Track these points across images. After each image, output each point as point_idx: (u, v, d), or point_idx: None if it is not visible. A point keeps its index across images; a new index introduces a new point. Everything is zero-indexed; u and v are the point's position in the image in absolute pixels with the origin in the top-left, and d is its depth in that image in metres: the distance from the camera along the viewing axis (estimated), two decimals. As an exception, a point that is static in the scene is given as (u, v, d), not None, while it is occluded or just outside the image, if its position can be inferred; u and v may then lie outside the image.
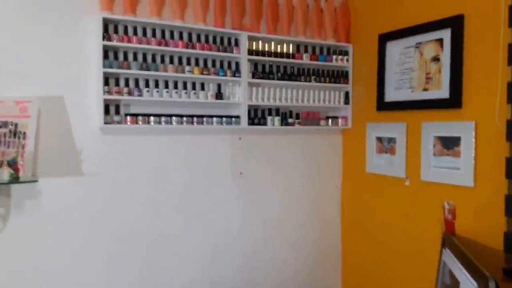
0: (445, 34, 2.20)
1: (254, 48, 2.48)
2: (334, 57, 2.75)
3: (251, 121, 2.49)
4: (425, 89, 2.32)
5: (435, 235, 2.10)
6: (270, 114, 2.58)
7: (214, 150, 2.52)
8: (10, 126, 1.92)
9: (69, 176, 2.13)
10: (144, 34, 2.24)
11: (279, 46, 2.57)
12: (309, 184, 2.86)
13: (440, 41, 2.23)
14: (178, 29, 2.31)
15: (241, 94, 2.45)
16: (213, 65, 2.41)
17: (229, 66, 2.47)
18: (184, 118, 2.31)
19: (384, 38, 2.57)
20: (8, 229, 1.99)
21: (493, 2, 1.97)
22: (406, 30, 2.42)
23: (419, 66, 2.37)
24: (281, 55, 2.56)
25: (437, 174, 2.23)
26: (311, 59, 2.66)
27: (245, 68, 2.44)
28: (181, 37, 2.31)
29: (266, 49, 2.52)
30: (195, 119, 2.34)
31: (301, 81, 2.64)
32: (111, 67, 2.11)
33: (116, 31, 2.16)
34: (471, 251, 1.51)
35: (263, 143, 2.68)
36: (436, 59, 2.26)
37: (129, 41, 2.15)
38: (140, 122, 2.20)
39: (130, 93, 2.17)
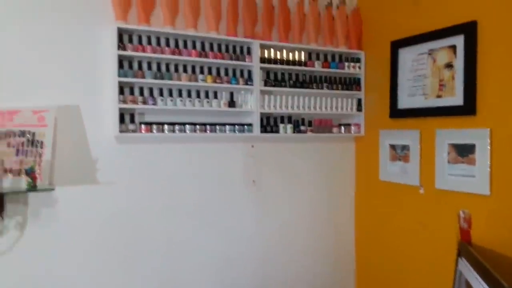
0: (458, 41, 2.19)
1: (266, 56, 2.50)
2: (346, 64, 2.75)
3: (264, 129, 2.50)
4: (438, 96, 2.31)
5: (450, 244, 2.07)
6: (282, 121, 2.58)
7: (227, 158, 2.54)
8: (28, 135, 1.96)
9: (84, 184, 2.16)
10: (158, 43, 2.27)
11: (291, 54, 2.58)
12: (322, 192, 2.85)
13: (453, 47, 2.22)
14: (191, 38, 2.34)
15: (253, 102, 2.46)
16: (226, 73, 2.43)
17: (242, 75, 2.49)
18: (198, 126, 2.33)
19: (397, 45, 2.57)
20: (25, 237, 2.02)
21: (506, 8, 1.96)
22: (418, 36, 2.41)
23: (432, 72, 2.35)
24: (293, 62, 2.57)
25: (452, 182, 2.21)
26: (323, 67, 2.67)
27: (257, 76, 2.45)
28: (194, 46, 2.34)
29: (278, 57, 2.54)
30: (208, 127, 2.36)
31: (313, 88, 2.65)
32: (125, 76, 2.14)
33: (130, 41, 2.20)
34: (488, 260, 1.49)
35: (276, 151, 2.69)
36: (449, 65, 2.25)
37: (144, 50, 2.18)
38: (154, 131, 2.22)
39: (144, 102, 2.20)
